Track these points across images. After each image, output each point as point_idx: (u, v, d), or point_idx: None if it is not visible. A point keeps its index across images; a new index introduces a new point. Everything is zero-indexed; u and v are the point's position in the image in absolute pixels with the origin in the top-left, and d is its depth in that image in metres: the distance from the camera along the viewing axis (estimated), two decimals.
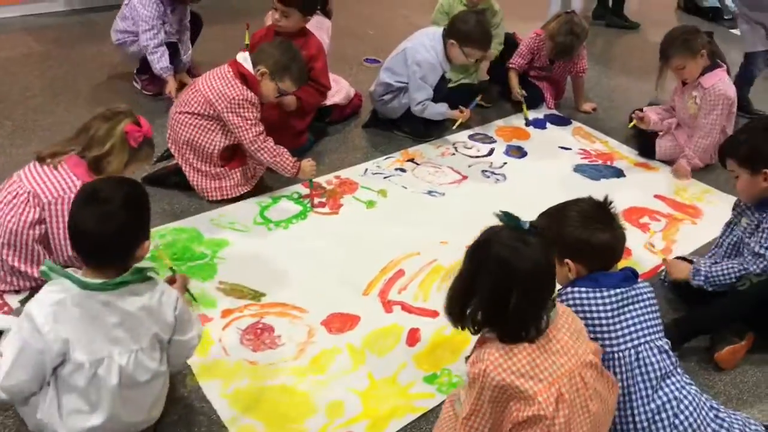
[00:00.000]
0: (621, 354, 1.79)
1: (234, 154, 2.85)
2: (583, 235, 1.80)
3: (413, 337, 2.26)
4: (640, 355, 1.80)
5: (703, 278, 2.29)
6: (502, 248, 1.50)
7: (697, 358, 2.25)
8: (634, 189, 3.23)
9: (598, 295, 1.77)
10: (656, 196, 3.19)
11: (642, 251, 2.79)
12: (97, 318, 1.57)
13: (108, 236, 1.56)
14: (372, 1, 5.57)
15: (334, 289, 2.44)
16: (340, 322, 2.29)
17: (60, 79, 3.79)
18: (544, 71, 3.94)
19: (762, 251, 2.21)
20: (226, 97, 2.68)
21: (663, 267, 2.59)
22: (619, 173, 3.37)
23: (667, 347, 1.85)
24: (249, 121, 2.72)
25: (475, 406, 1.54)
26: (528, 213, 1.89)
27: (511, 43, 3.94)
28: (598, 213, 1.85)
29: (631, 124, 3.67)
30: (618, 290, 1.79)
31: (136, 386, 1.65)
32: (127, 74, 3.78)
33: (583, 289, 1.78)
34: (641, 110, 3.58)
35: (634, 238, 2.83)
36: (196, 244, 2.59)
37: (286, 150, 2.84)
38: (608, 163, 3.45)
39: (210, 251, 2.56)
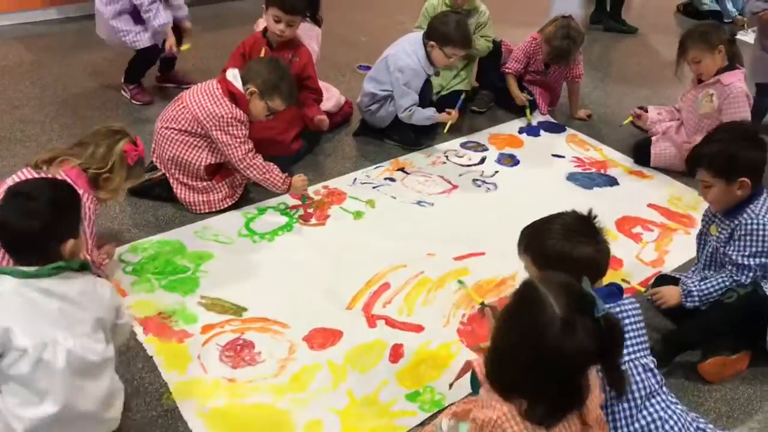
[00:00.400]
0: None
1: (219, 167, 2.82)
2: (564, 248, 1.76)
3: (396, 352, 2.21)
4: (625, 374, 1.75)
5: (697, 299, 2.23)
6: (551, 325, 1.35)
7: (686, 374, 2.19)
8: (628, 198, 3.17)
9: None
10: (650, 205, 3.12)
11: (634, 261, 2.74)
12: (38, 304, 1.59)
13: (27, 231, 1.61)
14: (364, 7, 5.53)
15: (318, 303, 2.39)
16: (323, 338, 2.24)
17: (50, 88, 3.76)
18: (539, 76, 3.90)
19: (746, 261, 2.17)
20: (215, 115, 2.65)
21: (651, 281, 2.55)
22: (612, 181, 3.31)
23: (652, 365, 1.81)
24: (238, 139, 2.69)
25: None
26: (518, 223, 1.88)
27: (497, 50, 3.89)
28: (582, 226, 1.81)
29: (627, 120, 3.62)
30: None
31: (86, 371, 1.63)
32: (118, 83, 3.74)
33: None
34: (645, 109, 3.53)
35: (626, 248, 2.78)
36: (179, 257, 2.55)
37: (275, 166, 2.81)
38: (602, 171, 3.39)
39: (193, 264, 2.52)
